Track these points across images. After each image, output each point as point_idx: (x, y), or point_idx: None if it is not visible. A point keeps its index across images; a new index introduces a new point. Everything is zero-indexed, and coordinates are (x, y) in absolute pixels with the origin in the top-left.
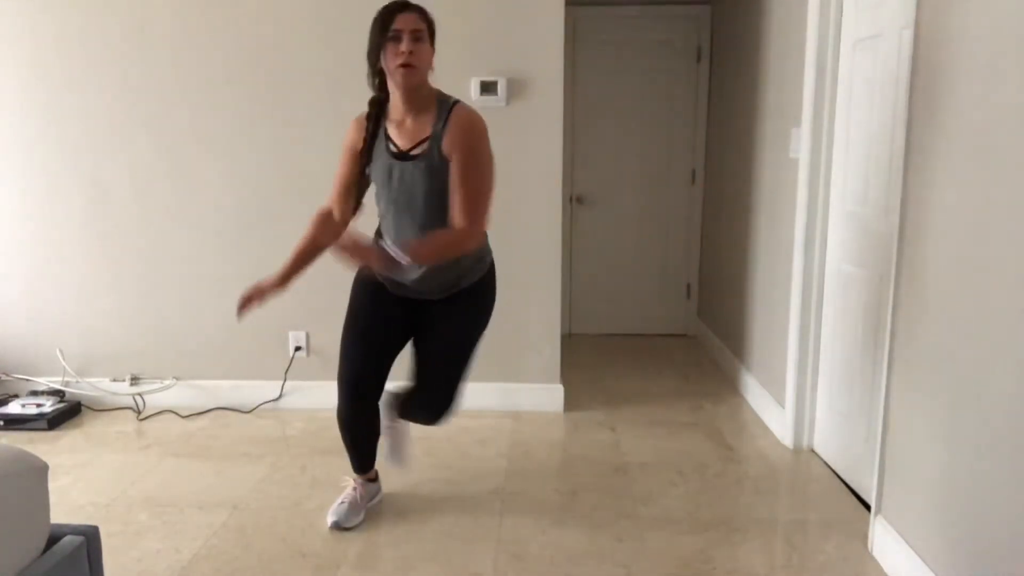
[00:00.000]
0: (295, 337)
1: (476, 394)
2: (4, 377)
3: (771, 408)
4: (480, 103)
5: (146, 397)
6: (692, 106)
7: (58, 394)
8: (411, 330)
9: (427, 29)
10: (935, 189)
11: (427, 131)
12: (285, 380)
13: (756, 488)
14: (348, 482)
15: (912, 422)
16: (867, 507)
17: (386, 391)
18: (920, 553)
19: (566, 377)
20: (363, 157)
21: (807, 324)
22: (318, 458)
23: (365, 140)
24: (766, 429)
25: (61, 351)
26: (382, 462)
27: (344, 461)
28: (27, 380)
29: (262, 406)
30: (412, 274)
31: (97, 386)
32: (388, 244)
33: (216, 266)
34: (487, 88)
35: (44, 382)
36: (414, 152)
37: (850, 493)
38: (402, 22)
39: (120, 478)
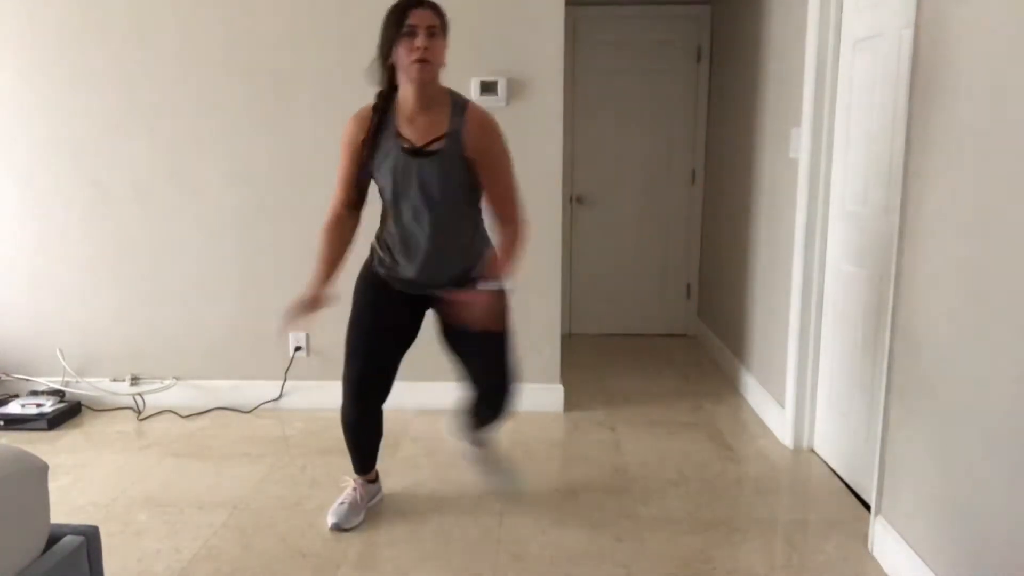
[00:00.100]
0: (295, 337)
1: None
2: (4, 377)
3: (771, 408)
4: (480, 103)
5: (146, 397)
6: (692, 106)
7: (58, 394)
8: (417, 328)
9: (441, 25)
10: (935, 189)
11: (442, 128)
12: (285, 380)
13: (756, 488)
14: (348, 482)
15: (912, 422)
16: (867, 507)
17: (460, 426)
18: (920, 553)
19: (566, 377)
20: (367, 150)
21: (807, 324)
22: (318, 458)
23: (369, 132)
24: (766, 429)
25: (61, 351)
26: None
27: (344, 460)
28: (27, 380)
29: (262, 406)
30: (408, 272)
31: (97, 386)
32: (486, 284)
33: (217, 266)
34: (487, 88)
35: (44, 382)
36: (430, 148)
37: (850, 493)
38: (417, 17)
39: (120, 478)
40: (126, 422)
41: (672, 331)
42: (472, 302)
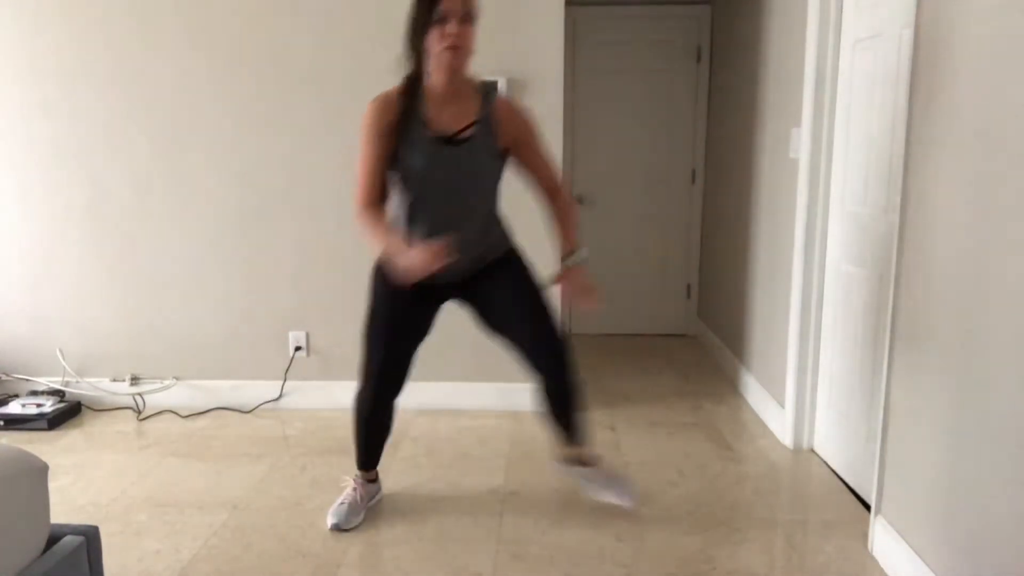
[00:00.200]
0: (295, 337)
1: (476, 394)
2: (4, 377)
3: (771, 408)
4: None
5: (146, 397)
6: (692, 106)
7: (58, 394)
8: (433, 320)
9: (472, 11)
10: (935, 189)
11: (471, 115)
12: (285, 380)
13: (756, 488)
14: (348, 482)
15: (912, 422)
16: (867, 507)
17: (559, 441)
18: (920, 553)
19: None
20: (397, 136)
21: (807, 324)
22: (318, 458)
23: (398, 117)
24: (766, 429)
25: (61, 351)
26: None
27: (344, 460)
28: (27, 380)
29: (262, 406)
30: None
31: (97, 386)
32: (573, 259)
33: (216, 266)
34: None
35: (44, 382)
36: (461, 136)
37: (850, 493)
38: (449, 4)
39: (120, 478)
40: (126, 422)
41: (672, 331)
42: (577, 284)
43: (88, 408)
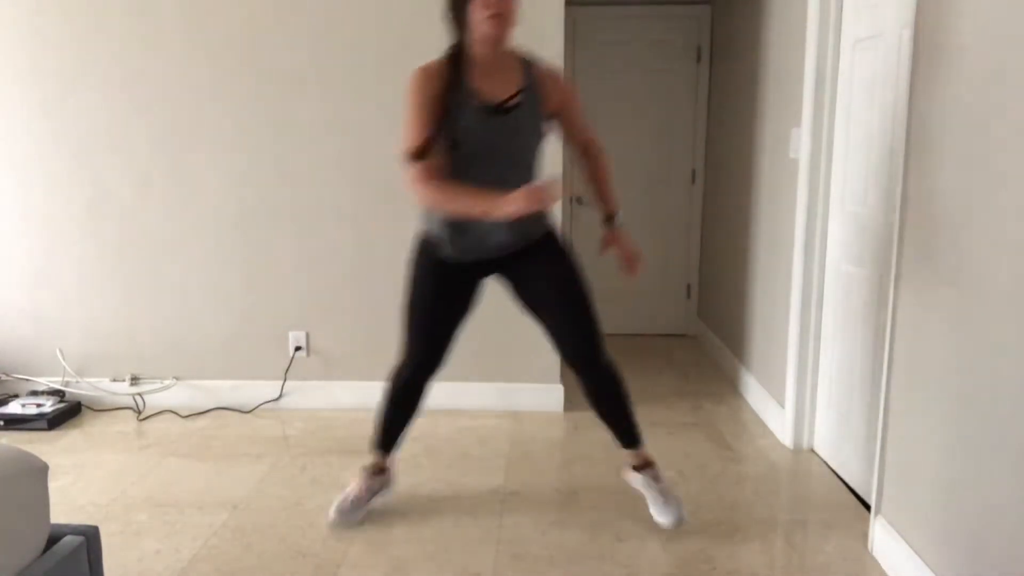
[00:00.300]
0: (295, 337)
1: (476, 394)
2: (4, 377)
3: (771, 408)
4: None
5: (146, 397)
6: (692, 106)
7: (58, 394)
8: (475, 298)
9: None
10: (935, 189)
11: (515, 84)
12: (285, 380)
13: (756, 488)
14: (353, 480)
15: (912, 422)
16: (867, 507)
17: (618, 439)
18: (920, 553)
19: (566, 377)
20: (443, 106)
21: (807, 324)
22: (318, 458)
23: (445, 88)
24: (766, 429)
25: (61, 351)
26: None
27: (343, 460)
28: (27, 380)
29: (262, 406)
30: (488, 237)
31: (97, 386)
32: (615, 222)
33: (216, 266)
34: None
35: (44, 382)
36: (508, 104)
37: (850, 493)
38: None
39: (120, 478)
40: (126, 422)
41: (672, 331)
42: (628, 247)
43: (88, 408)
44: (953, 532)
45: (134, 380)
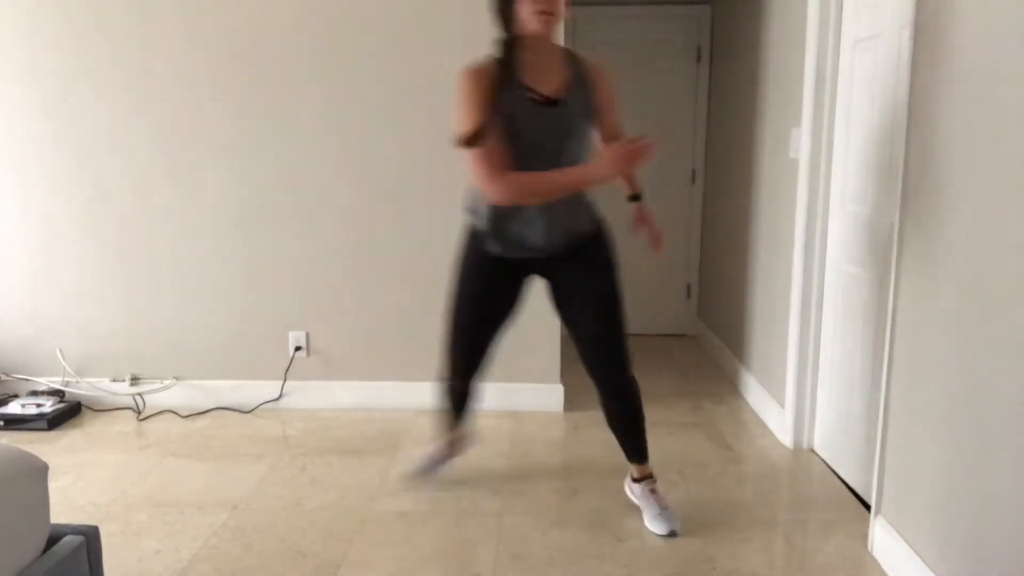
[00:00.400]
0: (295, 337)
1: None
2: (4, 377)
3: (771, 408)
4: None
5: (146, 397)
6: (692, 106)
7: (58, 394)
8: (521, 296)
9: None
10: (935, 189)
11: (562, 78)
12: (285, 380)
13: (756, 488)
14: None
15: (912, 422)
16: (867, 507)
17: (629, 455)
18: (920, 553)
19: (566, 377)
20: (495, 101)
21: (807, 324)
22: (318, 458)
23: (496, 83)
24: (766, 429)
25: (61, 351)
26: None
27: (343, 460)
28: (27, 380)
29: (262, 406)
30: (537, 232)
31: (97, 386)
32: (643, 203)
33: (216, 266)
34: None
35: (44, 382)
36: (558, 98)
37: (850, 493)
38: None
39: (120, 478)
40: (126, 422)
41: (672, 331)
42: (654, 225)
43: (88, 408)
44: (953, 532)
45: (134, 380)
